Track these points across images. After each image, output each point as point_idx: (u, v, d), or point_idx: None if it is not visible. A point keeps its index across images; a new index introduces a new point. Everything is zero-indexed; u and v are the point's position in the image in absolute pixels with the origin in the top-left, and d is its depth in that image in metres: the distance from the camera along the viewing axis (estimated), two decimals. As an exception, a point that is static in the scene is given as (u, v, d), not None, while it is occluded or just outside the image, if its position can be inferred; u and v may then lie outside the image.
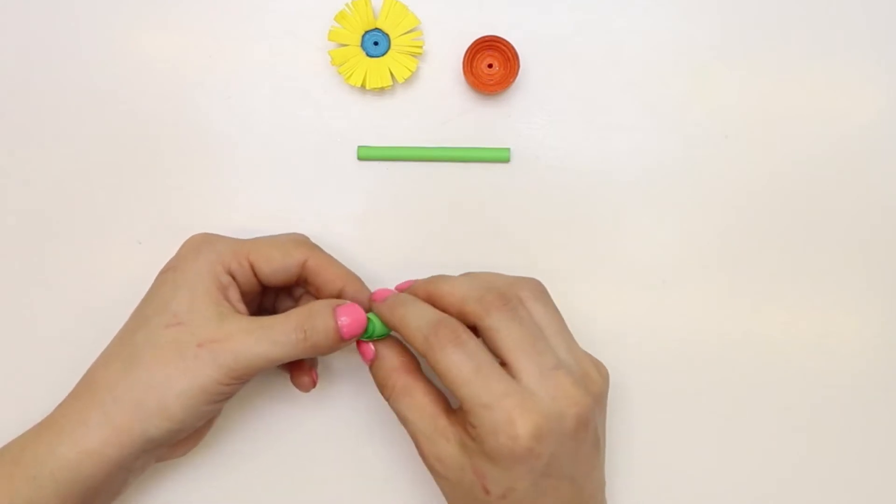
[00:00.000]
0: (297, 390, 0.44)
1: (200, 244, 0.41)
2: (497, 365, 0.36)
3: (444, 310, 0.38)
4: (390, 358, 0.40)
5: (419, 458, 0.39)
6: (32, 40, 0.47)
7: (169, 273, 0.41)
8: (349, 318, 0.39)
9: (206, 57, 0.47)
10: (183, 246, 0.42)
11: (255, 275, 0.41)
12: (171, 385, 0.37)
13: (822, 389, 0.47)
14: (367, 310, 0.41)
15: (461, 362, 0.36)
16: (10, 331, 0.47)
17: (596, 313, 0.47)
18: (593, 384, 0.38)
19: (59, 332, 0.47)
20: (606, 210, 0.47)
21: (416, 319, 0.38)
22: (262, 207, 0.47)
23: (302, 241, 0.43)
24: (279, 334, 0.38)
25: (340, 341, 0.39)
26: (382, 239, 0.47)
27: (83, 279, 0.47)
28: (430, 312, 0.38)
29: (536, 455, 0.35)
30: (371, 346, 0.40)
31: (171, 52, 0.47)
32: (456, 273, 0.41)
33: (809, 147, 0.47)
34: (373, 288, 0.42)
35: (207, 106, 0.47)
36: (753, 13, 0.48)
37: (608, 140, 0.47)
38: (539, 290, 0.39)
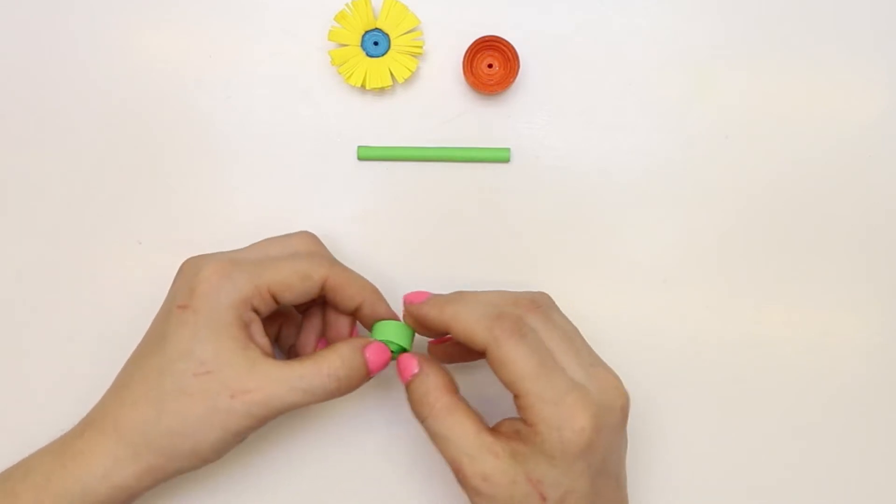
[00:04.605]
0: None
1: (218, 280, 0.39)
2: (555, 359, 0.37)
3: (455, 334, 0.38)
4: (434, 376, 0.39)
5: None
6: (33, 40, 0.47)
7: (189, 313, 0.38)
8: (376, 358, 0.40)
9: (206, 57, 0.47)
10: (198, 279, 0.39)
11: (276, 301, 0.40)
12: (205, 434, 0.38)
13: (822, 389, 0.47)
14: (384, 317, 0.41)
15: (527, 355, 0.36)
16: (9, 331, 0.47)
17: (596, 313, 0.46)
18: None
19: (59, 332, 0.46)
20: (607, 210, 0.47)
21: (474, 311, 0.37)
22: (262, 207, 0.47)
23: (318, 256, 0.41)
24: (310, 383, 0.38)
25: (367, 379, 0.40)
26: (382, 239, 0.47)
27: (83, 279, 0.47)
28: (485, 304, 0.38)
29: (595, 448, 0.36)
30: (415, 361, 0.39)
31: (171, 52, 0.47)
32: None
33: (810, 147, 0.47)
34: (383, 291, 0.42)
35: (207, 106, 0.47)
36: (754, 13, 0.48)
37: (608, 140, 0.47)
38: (547, 305, 0.39)
